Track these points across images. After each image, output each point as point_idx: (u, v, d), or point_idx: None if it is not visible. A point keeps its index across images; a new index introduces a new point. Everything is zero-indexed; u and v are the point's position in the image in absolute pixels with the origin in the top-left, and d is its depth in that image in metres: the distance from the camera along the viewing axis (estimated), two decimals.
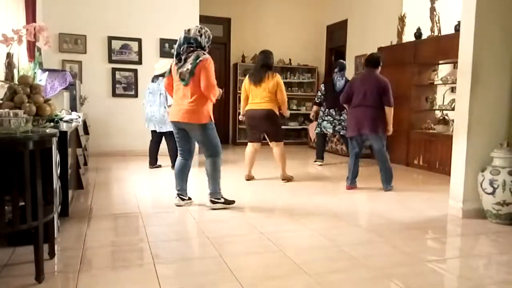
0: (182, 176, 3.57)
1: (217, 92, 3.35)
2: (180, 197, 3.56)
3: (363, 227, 3.16)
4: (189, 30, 3.34)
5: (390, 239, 2.82)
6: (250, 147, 4.80)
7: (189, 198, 3.63)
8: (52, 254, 2.32)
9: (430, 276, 2.27)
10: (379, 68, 4.39)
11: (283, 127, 8.46)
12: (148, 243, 2.61)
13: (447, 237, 3.03)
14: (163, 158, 5.61)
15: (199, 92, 3.28)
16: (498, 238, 2.91)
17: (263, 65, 4.58)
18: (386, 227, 3.10)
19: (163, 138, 5.37)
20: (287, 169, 4.83)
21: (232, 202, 3.54)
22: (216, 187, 3.49)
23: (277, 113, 4.69)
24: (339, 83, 5.79)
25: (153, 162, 5.46)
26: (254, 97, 4.64)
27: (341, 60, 6.17)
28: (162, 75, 5.02)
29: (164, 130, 5.22)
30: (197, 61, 3.23)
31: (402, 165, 6.00)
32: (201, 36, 3.34)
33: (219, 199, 3.49)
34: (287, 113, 4.92)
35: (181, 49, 3.32)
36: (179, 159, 3.58)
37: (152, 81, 5.30)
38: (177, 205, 3.54)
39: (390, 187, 4.35)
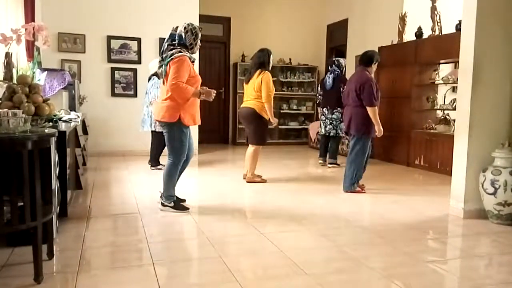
0: (164, 179, 3.40)
1: (182, 91, 3.10)
2: (161, 203, 3.41)
3: (364, 227, 3.14)
4: (177, 27, 3.28)
5: (390, 239, 2.81)
6: (249, 147, 4.70)
7: (177, 206, 3.39)
8: (51, 254, 2.31)
9: (431, 276, 2.26)
10: (372, 66, 4.18)
11: (284, 126, 8.61)
12: (147, 244, 2.60)
13: (448, 238, 3.02)
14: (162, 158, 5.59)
15: (169, 92, 3.17)
16: (499, 239, 2.90)
17: (256, 63, 4.54)
18: (387, 227, 3.09)
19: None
20: (259, 171, 4.76)
21: (185, 208, 3.36)
22: (167, 191, 3.34)
23: (261, 113, 4.46)
24: (328, 81, 5.75)
25: (154, 163, 5.32)
26: (245, 96, 4.66)
27: (333, 58, 6.12)
28: (155, 74, 4.98)
29: (144, 129, 5.26)
30: (169, 59, 3.16)
31: (403, 165, 5.99)
32: (186, 32, 3.22)
33: (170, 202, 3.35)
34: (272, 118, 4.52)
35: (164, 46, 3.27)
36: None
37: (148, 80, 5.29)
38: (160, 209, 3.40)
39: (351, 189, 4.14)
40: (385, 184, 4.65)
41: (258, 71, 4.47)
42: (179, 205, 3.39)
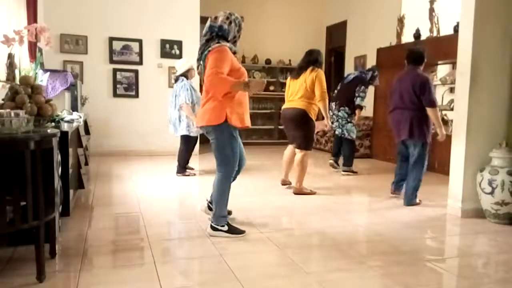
0: (215, 198, 2.86)
1: (221, 82, 2.53)
2: (211, 226, 2.81)
3: (363, 226, 3.17)
4: (216, 17, 2.79)
5: (389, 238, 2.83)
6: (288, 149, 4.38)
7: (231, 230, 2.81)
8: (53, 253, 2.32)
9: (429, 275, 2.28)
10: (423, 65, 3.82)
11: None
12: (149, 243, 2.62)
13: (446, 237, 3.05)
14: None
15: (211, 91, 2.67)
16: (496, 238, 2.92)
17: (308, 60, 4.14)
18: (385, 226, 3.11)
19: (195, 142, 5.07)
20: (305, 183, 4.18)
21: (241, 232, 2.79)
22: (218, 211, 2.78)
23: (311, 115, 4.02)
24: (350, 76, 5.43)
25: (180, 170, 4.99)
26: (289, 94, 4.18)
27: (374, 66, 5.74)
28: (183, 75, 4.83)
29: (177, 134, 4.93)
30: (205, 53, 2.66)
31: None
32: (230, 23, 2.75)
33: (223, 226, 2.78)
34: (327, 119, 4.10)
35: (202, 41, 2.76)
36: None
37: (175, 82, 4.98)
38: (205, 212, 3.09)
39: (413, 202, 3.76)
40: (383, 184, 4.66)
41: (310, 68, 4.05)
42: (233, 228, 2.80)
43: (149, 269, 2.22)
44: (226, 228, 2.77)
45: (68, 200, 3.04)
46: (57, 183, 2.50)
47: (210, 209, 3.00)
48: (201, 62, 2.72)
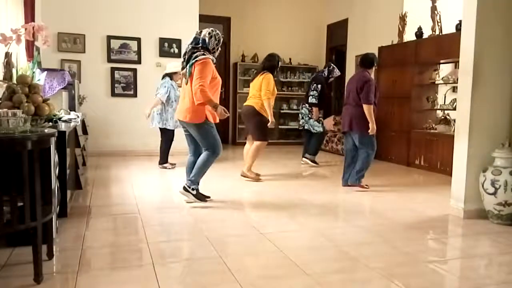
0: (189, 172, 3.65)
1: (203, 96, 3.25)
2: (184, 187, 3.59)
3: (364, 227, 3.14)
4: (201, 31, 3.49)
5: (390, 239, 2.81)
6: (247, 143, 4.94)
7: (198, 196, 3.60)
8: (50, 254, 2.30)
9: (431, 276, 2.26)
10: (372, 68, 4.40)
11: (283, 126, 8.61)
12: (147, 244, 2.59)
13: (448, 238, 3.02)
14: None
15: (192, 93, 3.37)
16: (499, 239, 2.90)
17: (264, 66, 4.78)
18: (387, 227, 3.09)
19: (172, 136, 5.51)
20: (256, 168, 4.85)
21: (204, 199, 3.57)
22: (196, 177, 3.53)
23: (260, 111, 4.63)
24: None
25: (161, 161, 5.49)
26: (248, 95, 4.85)
27: (331, 62, 6.38)
28: (169, 75, 5.32)
29: (152, 125, 5.43)
30: (194, 60, 3.34)
31: (403, 165, 5.99)
32: (210, 37, 3.44)
33: (193, 190, 3.53)
34: (270, 117, 4.62)
35: (187, 48, 3.47)
36: (188, 156, 3.74)
37: (162, 78, 5.44)
38: (180, 193, 3.61)
39: (356, 182, 4.29)
40: (385, 184, 4.65)
41: (262, 72, 4.70)
42: (200, 194, 3.54)
43: (148, 270, 2.20)
44: (195, 192, 3.52)
45: (66, 201, 3.02)
46: (55, 184, 2.48)
47: (185, 189, 3.58)
48: (188, 67, 3.38)
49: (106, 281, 2.07)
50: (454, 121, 4.80)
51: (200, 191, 3.65)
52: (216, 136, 3.49)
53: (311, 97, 5.79)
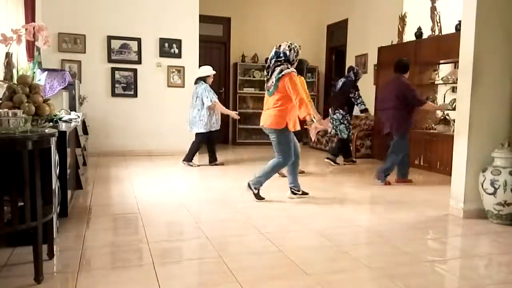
0: (288, 173, 3.90)
1: (306, 110, 3.50)
2: (291, 191, 3.87)
3: (364, 227, 3.15)
4: (279, 45, 3.71)
5: (390, 239, 2.81)
6: None
7: (304, 193, 3.89)
8: (51, 254, 2.31)
9: (431, 276, 2.26)
10: (407, 73, 4.68)
11: None
12: (148, 244, 2.60)
13: (448, 238, 3.03)
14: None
15: (280, 102, 3.61)
16: (498, 239, 2.90)
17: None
18: (387, 227, 3.09)
19: (208, 137, 5.65)
20: None
21: (262, 198, 3.77)
22: (261, 179, 3.77)
23: None
24: (339, 84, 6.02)
25: (186, 158, 5.64)
26: None
27: (353, 66, 6.34)
28: (203, 78, 5.51)
29: (193, 131, 5.59)
30: (280, 75, 3.56)
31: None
32: (290, 50, 3.66)
33: (255, 189, 3.77)
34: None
35: (270, 62, 3.69)
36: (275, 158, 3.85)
37: (195, 83, 5.63)
38: (289, 198, 3.86)
39: (384, 180, 4.61)
40: (385, 184, 4.64)
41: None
42: (259, 195, 3.78)
43: (148, 270, 2.20)
44: (256, 191, 3.76)
45: (66, 201, 3.02)
46: (55, 184, 2.48)
47: (293, 193, 3.88)
48: (275, 81, 3.60)
49: (107, 281, 2.07)
50: (454, 121, 4.80)
51: (200, 191, 3.67)
52: (290, 144, 3.73)
53: (361, 104, 5.83)
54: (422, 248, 2.70)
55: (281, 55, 3.65)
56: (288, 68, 3.60)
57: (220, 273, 2.18)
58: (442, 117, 5.76)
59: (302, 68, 4.95)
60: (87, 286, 2.01)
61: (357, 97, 5.82)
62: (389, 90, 4.64)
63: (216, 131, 5.63)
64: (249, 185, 3.77)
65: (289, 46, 3.67)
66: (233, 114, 6.00)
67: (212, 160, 5.72)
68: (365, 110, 5.91)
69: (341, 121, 5.90)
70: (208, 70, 5.57)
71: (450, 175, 3.54)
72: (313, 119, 3.59)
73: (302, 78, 4.83)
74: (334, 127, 5.96)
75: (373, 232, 2.98)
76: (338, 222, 3.24)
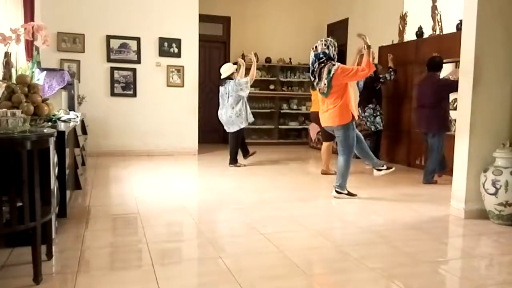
0: (341, 172, 3.91)
1: (367, 66, 3.60)
2: (336, 191, 3.89)
3: (364, 227, 3.13)
4: (316, 47, 3.76)
5: (391, 239, 2.80)
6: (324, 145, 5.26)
7: (350, 193, 3.90)
8: (50, 255, 2.30)
9: (432, 277, 2.25)
10: (441, 71, 4.78)
11: (284, 126, 8.62)
12: (147, 244, 2.58)
13: (449, 238, 3.02)
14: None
15: (337, 100, 3.69)
16: (500, 239, 2.89)
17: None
18: (387, 227, 3.08)
19: (240, 137, 5.63)
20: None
21: (354, 195, 3.89)
22: (342, 181, 3.86)
23: None
24: (360, 83, 5.97)
25: (232, 162, 5.60)
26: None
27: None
28: (229, 77, 5.46)
29: (231, 130, 5.51)
30: (330, 75, 3.63)
31: (404, 165, 5.97)
32: (328, 48, 3.73)
33: (344, 190, 3.87)
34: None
35: (314, 67, 3.75)
36: (339, 157, 3.96)
37: (221, 85, 5.60)
38: (335, 197, 3.89)
39: (431, 180, 4.72)
40: (385, 184, 4.64)
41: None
42: (350, 192, 3.90)
43: (147, 271, 2.19)
44: (346, 192, 3.87)
45: (65, 201, 3.01)
46: (54, 184, 2.48)
47: (338, 192, 3.89)
48: (327, 82, 3.66)
49: (106, 281, 2.06)
50: (455, 121, 4.78)
51: (200, 191, 3.65)
52: (354, 137, 3.82)
53: (390, 76, 5.88)
54: (423, 249, 2.69)
55: (321, 55, 3.69)
56: (333, 65, 3.66)
57: (220, 274, 2.17)
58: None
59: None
60: (86, 286, 2.00)
61: (387, 78, 5.84)
62: (424, 89, 4.72)
63: (240, 130, 5.57)
64: (337, 192, 3.85)
65: (325, 44, 3.73)
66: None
67: (246, 154, 5.71)
68: (395, 72, 5.91)
69: (374, 114, 5.89)
70: (229, 69, 5.54)
71: (451, 175, 3.52)
72: (368, 48, 3.73)
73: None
74: (371, 123, 5.93)
75: (374, 232, 2.97)
76: (339, 222, 3.23)
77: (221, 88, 5.58)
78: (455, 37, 4.66)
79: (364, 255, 2.52)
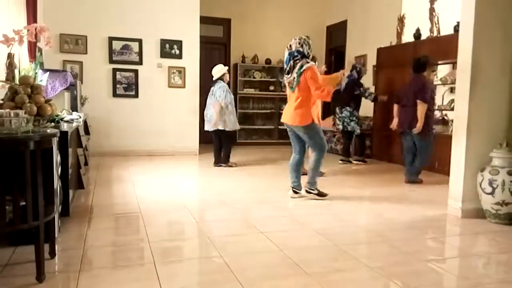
0: (295, 171, 3.89)
1: (329, 89, 3.57)
2: (293, 190, 3.88)
3: (363, 226, 3.16)
4: (290, 45, 3.72)
5: (389, 238, 2.83)
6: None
7: (320, 193, 3.86)
8: (52, 254, 2.32)
9: (430, 275, 2.27)
10: (426, 71, 4.69)
11: (283, 126, 8.61)
12: (149, 243, 2.61)
13: (446, 237, 3.04)
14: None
15: (303, 97, 3.64)
16: (497, 238, 2.92)
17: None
18: (386, 226, 3.11)
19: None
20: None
21: (325, 194, 3.87)
22: (312, 179, 3.83)
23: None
24: (342, 84, 6.06)
25: (216, 161, 5.64)
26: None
27: (356, 65, 6.41)
28: (220, 78, 5.51)
29: (211, 129, 5.52)
30: (301, 70, 3.59)
31: (402, 165, 5.99)
32: (302, 46, 3.69)
33: (313, 190, 3.84)
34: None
35: (288, 64, 3.71)
36: (292, 155, 3.95)
37: (212, 85, 5.63)
38: (291, 197, 3.88)
39: (416, 179, 4.73)
40: (383, 184, 4.66)
41: None
42: (321, 192, 3.87)
43: (149, 269, 2.21)
44: (316, 191, 3.83)
45: (68, 200, 3.04)
46: (57, 183, 2.50)
47: (294, 192, 3.88)
48: (296, 77, 3.63)
49: (108, 280, 2.09)
50: (452, 122, 4.80)
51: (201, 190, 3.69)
52: (322, 134, 3.79)
53: (369, 95, 6.04)
54: (421, 248, 2.72)
55: (296, 54, 3.67)
56: (307, 62, 3.63)
57: (221, 273, 2.20)
58: (440, 118, 5.77)
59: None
60: (88, 285, 2.02)
61: (364, 92, 5.99)
62: (409, 89, 4.72)
63: (230, 131, 5.59)
64: (307, 191, 3.85)
65: (299, 43, 3.69)
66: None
67: (220, 161, 5.63)
68: (375, 99, 6.11)
69: (351, 118, 6.02)
70: (220, 70, 5.57)
71: (449, 175, 3.55)
72: (334, 79, 3.87)
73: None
74: (346, 125, 6.07)
75: (373, 231, 3.00)
76: (338, 221, 3.26)
77: (212, 88, 5.63)
78: (453, 38, 4.68)
79: (363, 254, 2.55)
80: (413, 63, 4.74)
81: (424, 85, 4.58)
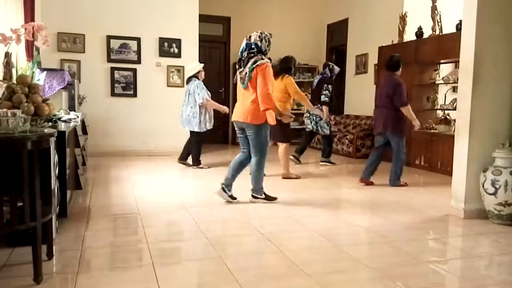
0: (234, 170, 3.68)
1: (270, 103, 3.39)
2: (222, 188, 3.65)
3: (364, 227, 3.14)
4: (250, 36, 3.57)
5: (391, 239, 2.80)
6: (279, 146, 5.01)
7: (232, 197, 3.66)
8: (50, 255, 2.30)
9: (431, 276, 2.25)
10: (399, 70, 4.53)
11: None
12: (147, 244, 2.59)
13: (449, 238, 3.02)
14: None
15: (256, 99, 3.45)
16: (499, 239, 2.89)
17: (279, 67, 4.92)
18: (387, 227, 3.08)
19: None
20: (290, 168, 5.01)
21: (274, 198, 3.73)
22: (256, 185, 3.69)
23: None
24: (315, 81, 6.03)
25: (182, 157, 5.57)
26: None
27: (328, 62, 6.32)
28: (195, 76, 5.34)
29: (189, 129, 5.38)
30: (254, 65, 3.43)
31: (403, 165, 5.97)
32: (261, 41, 3.53)
33: (260, 195, 3.70)
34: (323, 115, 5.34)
35: (243, 55, 3.54)
36: (239, 154, 3.76)
37: (187, 83, 5.50)
38: (215, 197, 3.67)
39: (397, 183, 4.55)
40: (385, 184, 4.64)
41: (281, 76, 4.82)
42: (268, 196, 3.73)
43: (148, 271, 2.19)
44: (263, 196, 3.70)
45: (66, 201, 3.01)
46: (54, 184, 2.48)
47: (223, 190, 3.64)
48: (248, 72, 3.45)
49: (106, 281, 2.07)
50: (455, 121, 4.79)
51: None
52: (267, 137, 3.62)
53: (323, 96, 5.74)
54: (422, 249, 2.69)
55: (253, 46, 3.50)
56: (262, 59, 3.46)
57: (220, 274, 2.18)
58: (442, 117, 5.76)
59: (290, 66, 4.92)
60: (86, 286, 2.00)
61: (325, 89, 5.72)
62: (382, 89, 4.55)
63: (203, 132, 5.39)
64: (254, 197, 3.70)
65: (259, 36, 3.53)
66: (224, 108, 5.58)
67: (196, 163, 5.46)
68: (324, 103, 5.73)
69: (320, 117, 5.81)
70: (196, 67, 5.37)
71: (451, 175, 3.53)
72: (281, 113, 3.56)
73: (291, 77, 4.83)
74: (315, 124, 5.91)
75: (373, 232, 2.97)
76: (338, 222, 3.23)
77: (186, 86, 5.46)
78: (455, 37, 4.67)
79: (363, 255, 2.53)
80: (387, 61, 4.58)
81: (398, 86, 4.36)
